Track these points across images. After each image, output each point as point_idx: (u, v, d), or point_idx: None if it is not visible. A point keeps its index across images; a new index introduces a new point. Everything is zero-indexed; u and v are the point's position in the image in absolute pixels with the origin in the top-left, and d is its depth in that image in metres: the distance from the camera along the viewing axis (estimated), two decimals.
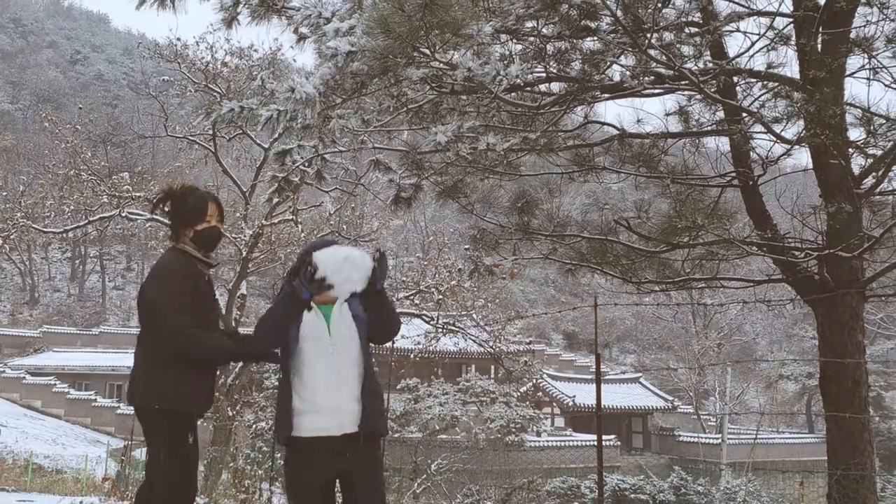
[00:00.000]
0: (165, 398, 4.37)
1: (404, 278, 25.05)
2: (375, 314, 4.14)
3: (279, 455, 13.64)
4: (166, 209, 4.64)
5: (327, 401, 3.96)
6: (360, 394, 4.00)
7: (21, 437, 35.46)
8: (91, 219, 22.13)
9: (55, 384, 46.02)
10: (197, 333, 4.41)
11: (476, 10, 5.17)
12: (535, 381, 39.96)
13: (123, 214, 21.43)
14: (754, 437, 43.22)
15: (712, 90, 6.63)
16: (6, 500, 13.78)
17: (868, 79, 6.68)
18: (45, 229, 22.81)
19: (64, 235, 28.04)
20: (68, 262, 75.22)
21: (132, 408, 4.53)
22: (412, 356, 26.42)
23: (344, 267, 3.91)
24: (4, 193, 24.78)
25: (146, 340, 4.48)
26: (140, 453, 22.03)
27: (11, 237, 22.26)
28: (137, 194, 21.72)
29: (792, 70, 6.82)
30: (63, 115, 36.22)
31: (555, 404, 44.36)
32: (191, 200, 4.58)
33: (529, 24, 6.04)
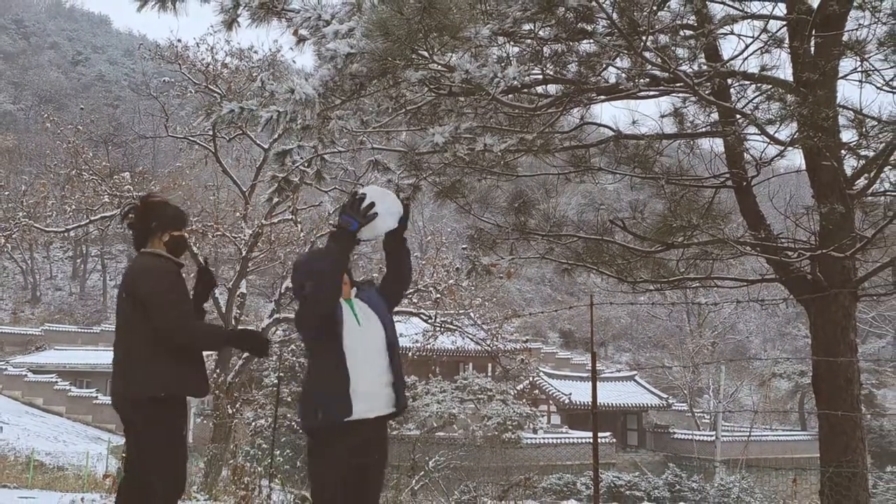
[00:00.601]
0: (167, 385, 4.53)
1: None
2: (396, 256, 4.52)
3: (278, 452, 13.65)
4: (139, 216, 4.85)
5: (365, 386, 4.14)
6: (391, 377, 4.27)
7: (23, 434, 35.45)
8: (92, 218, 22.10)
9: (56, 382, 46.03)
10: (197, 322, 4.70)
11: (474, 13, 5.17)
12: (531, 378, 39.96)
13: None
14: (748, 434, 43.23)
15: (707, 92, 6.64)
16: (8, 496, 13.76)
17: (860, 81, 6.68)
18: (46, 228, 22.78)
19: (65, 235, 28.00)
20: (70, 260, 75.17)
21: (129, 401, 4.61)
22: (410, 354, 26.43)
23: (386, 198, 4.33)
24: (7, 193, 24.80)
25: (134, 336, 4.61)
26: None
27: (13, 236, 22.21)
28: (138, 194, 21.68)
29: (785, 72, 6.85)
30: (65, 116, 36.18)
31: (551, 402, 44.36)
32: (170, 210, 4.88)
33: (526, 27, 6.04)
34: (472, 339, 23.09)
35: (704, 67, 6.72)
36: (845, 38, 6.66)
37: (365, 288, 4.48)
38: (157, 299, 4.49)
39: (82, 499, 10.87)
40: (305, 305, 4.26)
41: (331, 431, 4.13)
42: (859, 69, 6.68)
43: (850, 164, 6.93)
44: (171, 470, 4.56)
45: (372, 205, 4.17)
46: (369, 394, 4.16)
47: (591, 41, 6.21)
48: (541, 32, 6.16)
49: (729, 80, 7.02)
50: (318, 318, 4.19)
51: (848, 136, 6.93)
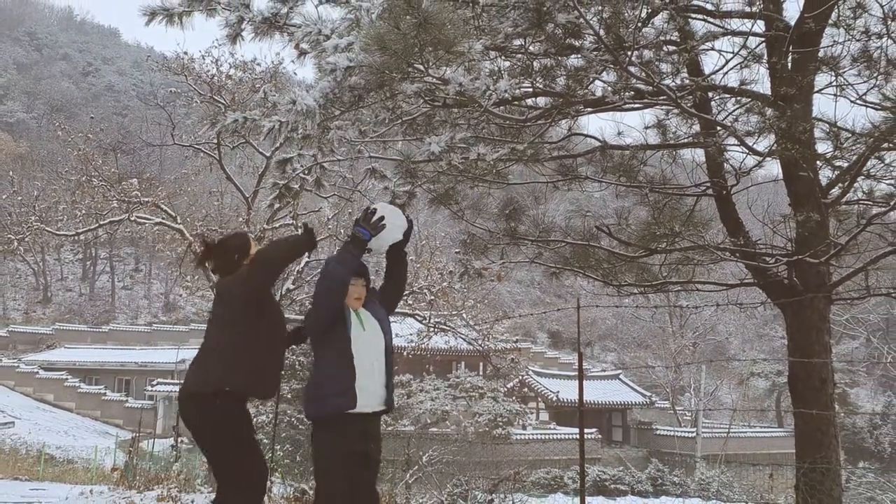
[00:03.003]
0: (221, 381, 4.53)
1: None
2: (396, 267, 4.87)
3: (278, 447, 13.61)
4: (213, 259, 4.98)
5: (367, 384, 4.42)
6: (385, 379, 4.56)
7: (34, 428, 35.36)
8: (101, 222, 22.03)
9: (67, 379, 45.95)
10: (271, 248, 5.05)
11: (467, 29, 5.17)
12: (521, 377, 39.87)
13: (132, 218, 21.36)
14: (727, 431, 43.29)
15: (689, 105, 6.64)
16: (20, 488, 13.72)
17: (835, 95, 6.72)
18: (57, 232, 22.70)
19: (76, 238, 27.88)
20: (80, 263, 74.92)
21: (187, 397, 4.63)
22: (405, 353, 26.40)
23: (395, 212, 4.70)
24: (20, 198, 24.68)
25: (210, 338, 4.68)
26: (148, 444, 21.92)
27: (26, 239, 22.15)
28: (145, 199, 21.66)
29: (764, 87, 6.86)
30: (75, 124, 36.01)
31: (540, 399, 44.35)
32: (236, 241, 4.99)
33: (517, 42, 6.05)
34: (464, 339, 23.03)
35: (687, 81, 6.73)
36: (821, 54, 6.69)
37: (370, 297, 4.73)
38: (247, 274, 4.63)
39: (91, 490, 10.84)
40: (316, 299, 4.55)
41: (336, 420, 4.38)
42: (834, 84, 6.72)
43: (825, 175, 6.96)
44: (240, 465, 4.58)
45: (382, 217, 4.53)
46: (369, 391, 4.44)
47: (579, 56, 6.21)
48: (531, 47, 6.17)
49: (710, 94, 7.03)
50: (328, 312, 4.47)
51: (823, 147, 6.97)
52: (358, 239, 4.50)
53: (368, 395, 4.43)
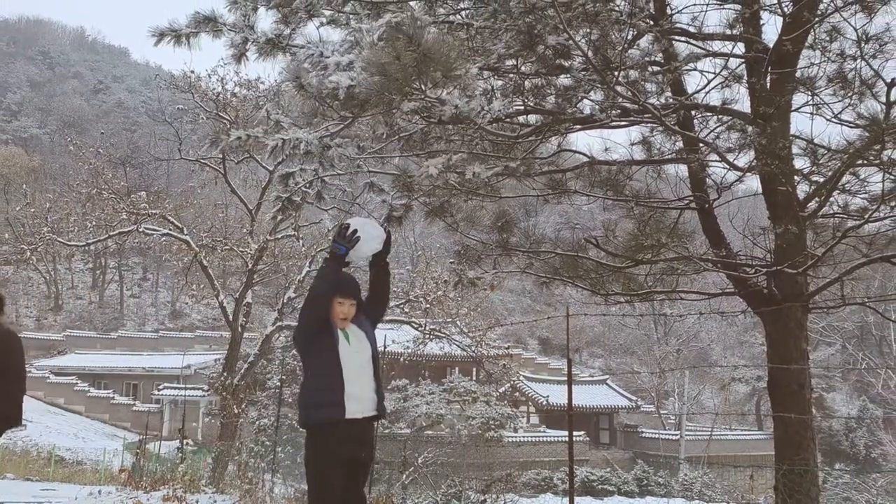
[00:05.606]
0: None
1: (395, 288, 24.96)
2: (379, 279, 4.87)
3: (279, 449, 13.56)
4: None
5: (356, 391, 4.45)
6: (375, 385, 4.59)
7: (45, 431, 35.19)
8: (111, 233, 22.06)
9: (76, 383, 45.81)
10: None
11: (463, 51, 5.18)
12: (512, 382, 39.87)
13: (140, 230, 21.39)
14: (709, 433, 43.31)
15: (672, 123, 6.67)
16: (31, 488, 13.65)
17: (812, 114, 6.74)
18: (69, 243, 22.70)
19: (86, 248, 27.90)
20: (90, 272, 74.65)
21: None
22: (402, 359, 26.37)
23: (368, 224, 4.75)
24: (33, 210, 24.67)
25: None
26: (154, 446, 21.84)
27: (38, 249, 22.13)
28: (153, 212, 21.67)
29: (744, 105, 6.89)
30: (86, 139, 35.99)
31: (530, 403, 44.26)
32: None
33: (509, 63, 6.06)
34: (458, 346, 23.06)
35: (671, 100, 6.75)
36: (798, 74, 6.71)
37: (356, 312, 4.73)
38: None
39: (99, 491, 10.78)
40: (301, 313, 4.66)
41: (327, 427, 4.39)
42: (811, 103, 6.75)
43: (802, 189, 6.97)
44: None
45: (355, 231, 4.58)
46: (359, 398, 4.47)
47: (568, 76, 6.23)
48: (523, 67, 6.18)
49: (693, 112, 7.06)
50: (309, 321, 4.53)
51: (801, 163, 6.99)
52: (334, 255, 4.56)
53: (358, 402, 4.45)
